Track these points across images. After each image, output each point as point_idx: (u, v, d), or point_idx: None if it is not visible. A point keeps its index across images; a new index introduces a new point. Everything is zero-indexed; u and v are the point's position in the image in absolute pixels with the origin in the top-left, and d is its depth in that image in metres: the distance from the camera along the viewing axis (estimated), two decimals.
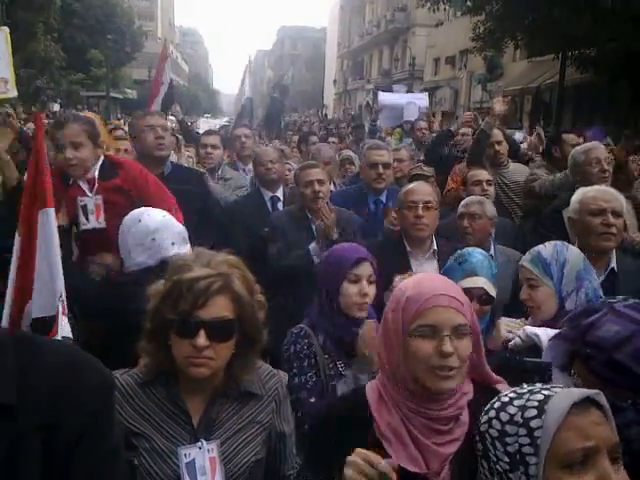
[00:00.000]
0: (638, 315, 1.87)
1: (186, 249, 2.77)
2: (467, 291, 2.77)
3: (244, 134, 6.43)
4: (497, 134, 5.59)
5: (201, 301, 1.82)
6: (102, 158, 3.54)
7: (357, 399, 1.80)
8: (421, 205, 3.65)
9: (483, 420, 1.41)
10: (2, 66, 3.56)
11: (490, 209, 4.03)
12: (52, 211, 2.84)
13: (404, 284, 1.79)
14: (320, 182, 4.18)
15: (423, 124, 8.52)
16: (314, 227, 4.18)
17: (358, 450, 1.44)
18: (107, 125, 9.16)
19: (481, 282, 2.93)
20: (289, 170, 5.69)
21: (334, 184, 5.76)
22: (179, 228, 2.90)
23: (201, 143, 5.88)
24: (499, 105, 5.54)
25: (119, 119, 24.70)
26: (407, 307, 1.69)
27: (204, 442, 1.92)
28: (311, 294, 2.91)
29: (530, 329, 2.48)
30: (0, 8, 25.04)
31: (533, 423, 1.30)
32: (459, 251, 3.07)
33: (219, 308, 1.85)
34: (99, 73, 39.73)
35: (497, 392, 1.69)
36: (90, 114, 3.57)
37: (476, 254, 3.04)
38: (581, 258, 2.76)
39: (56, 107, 32.08)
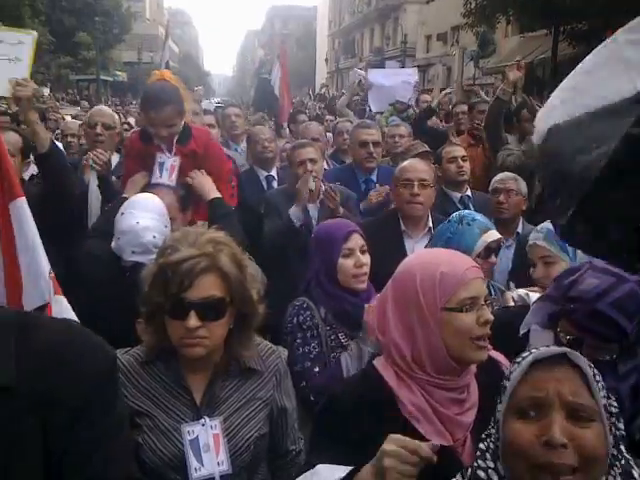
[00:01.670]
0: (616, 269, 1.94)
1: (148, 258, 2.55)
2: (489, 245, 2.84)
3: (234, 113, 6.37)
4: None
5: (187, 282, 1.83)
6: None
7: (372, 379, 1.79)
8: (416, 183, 3.62)
9: None
10: (22, 68, 3.63)
11: (523, 187, 4.06)
12: (23, 200, 2.81)
13: (422, 262, 1.80)
14: (312, 161, 4.16)
15: (427, 97, 8.43)
16: (309, 206, 4.18)
17: (393, 437, 1.43)
18: None
19: (497, 234, 2.97)
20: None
21: (327, 162, 5.75)
22: (146, 239, 2.82)
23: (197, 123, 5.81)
24: (513, 73, 5.45)
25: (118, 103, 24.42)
26: (445, 282, 1.71)
27: (207, 419, 1.94)
28: (301, 270, 2.95)
29: (522, 290, 2.53)
30: None
31: (511, 376, 1.39)
32: (458, 215, 3.02)
33: (207, 288, 1.86)
34: (88, 56, 39.29)
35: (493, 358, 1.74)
36: (169, 76, 3.65)
37: (474, 213, 3.07)
38: None
39: (46, 91, 31.74)
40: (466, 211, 3.17)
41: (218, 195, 3.51)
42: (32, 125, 3.50)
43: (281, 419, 2.12)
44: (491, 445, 1.42)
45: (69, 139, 5.96)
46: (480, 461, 1.42)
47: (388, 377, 1.75)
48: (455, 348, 1.70)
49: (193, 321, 1.84)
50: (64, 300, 2.73)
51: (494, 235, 2.92)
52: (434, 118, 8.26)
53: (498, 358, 1.89)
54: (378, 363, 1.83)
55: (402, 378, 1.73)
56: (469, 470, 1.44)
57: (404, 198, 3.67)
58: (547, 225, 2.82)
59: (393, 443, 1.42)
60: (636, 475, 1.37)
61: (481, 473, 1.40)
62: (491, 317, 1.72)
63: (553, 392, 1.31)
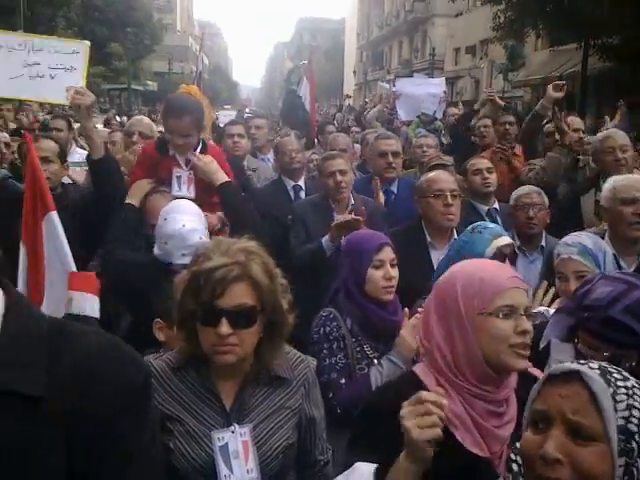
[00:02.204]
0: (628, 277, 1.97)
1: None
2: (501, 250, 2.86)
3: (254, 125, 6.41)
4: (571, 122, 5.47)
5: (219, 290, 1.86)
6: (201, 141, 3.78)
7: (412, 384, 1.79)
8: (449, 194, 3.62)
9: None
10: (76, 76, 3.78)
11: (546, 200, 4.04)
12: (54, 213, 2.95)
13: (464, 269, 1.84)
14: (342, 172, 4.16)
15: (455, 110, 8.44)
16: (336, 217, 4.19)
17: (404, 403, 1.50)
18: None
19: (509, 239, 3.00)
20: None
21: (354, 173, 5.77)
22: (193, 240, 2.90)
23: (226, 133, 5.80)
24: (554, 89, 5.42)
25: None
26: (484, 289, 1.74)
27: (237, 426, 1.96)
28: (328, 281, 2.98)
29: (542, 307, 2.54)
30: (21, 3, 25.27)
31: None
32: (470, 227, 3.04)
33: (238, 295, 1.89)
34: (120, 66, 39.93)
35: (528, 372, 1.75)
36: (195, 91, 3.89)
37: (487, 223, 3.11)
38: (609, 248, 2.83)
39: None
40: (480, 222, 3.19)
41: (228, 179, 3.60)
42: (89, 132, 3.64)
43: (309, 429, 2.13)
44: None
45: None
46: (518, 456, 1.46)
47: (428, 383, 1.77)
48: (491, 355, 1.72)
49: (225, 328, 1.86)
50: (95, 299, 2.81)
51: (505, 240, 2.95)
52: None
53: (536, 374, 1.87)
54: (418, 369, 1.85)
55: (442, 385, 1.74)
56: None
57: (437, 209, 3.64)
58: (577, 239, 2.82)
59: (405, 407, 1.49)
60: None
61: (514, 466, 1.47)
62: (529, 327, 1.73)
63: (555, 408, 1.32)
